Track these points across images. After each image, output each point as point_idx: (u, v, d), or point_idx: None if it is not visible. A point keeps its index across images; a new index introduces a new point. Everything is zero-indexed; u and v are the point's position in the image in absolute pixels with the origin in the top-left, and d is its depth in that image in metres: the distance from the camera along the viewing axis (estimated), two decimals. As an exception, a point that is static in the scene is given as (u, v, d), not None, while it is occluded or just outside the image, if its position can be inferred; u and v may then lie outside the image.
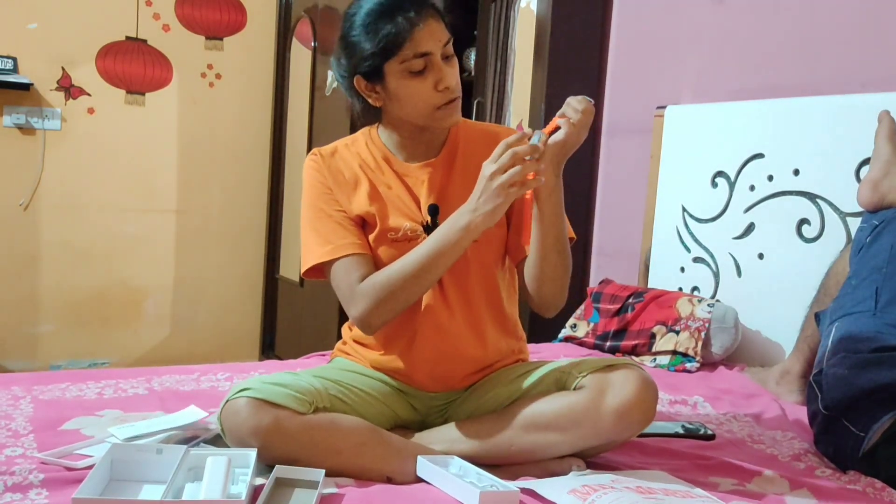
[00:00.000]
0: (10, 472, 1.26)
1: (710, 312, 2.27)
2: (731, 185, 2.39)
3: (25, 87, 3.86)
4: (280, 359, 3.75)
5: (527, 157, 1.30)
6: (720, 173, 2.43)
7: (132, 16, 4.14)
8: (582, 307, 2.59)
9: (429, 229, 1.49)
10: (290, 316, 4.27)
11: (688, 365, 2.22)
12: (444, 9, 1.51)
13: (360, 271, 1.46)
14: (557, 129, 1.38)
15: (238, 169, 4.46)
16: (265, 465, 1.29)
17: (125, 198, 4.20)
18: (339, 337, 1.69)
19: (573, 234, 1.51)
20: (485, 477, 1.30)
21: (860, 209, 1.91)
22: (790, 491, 1.38)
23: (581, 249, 2.93)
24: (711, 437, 1.64)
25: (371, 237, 1.51)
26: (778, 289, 2.24)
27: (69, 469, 1.30)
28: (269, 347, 4.52)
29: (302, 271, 1.53)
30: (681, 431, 1.64)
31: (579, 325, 2.53)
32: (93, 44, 4.06)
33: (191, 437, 1.45)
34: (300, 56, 4.21)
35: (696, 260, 2.52)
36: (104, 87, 4.10)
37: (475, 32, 3.26)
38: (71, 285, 4.12)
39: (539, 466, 1.39)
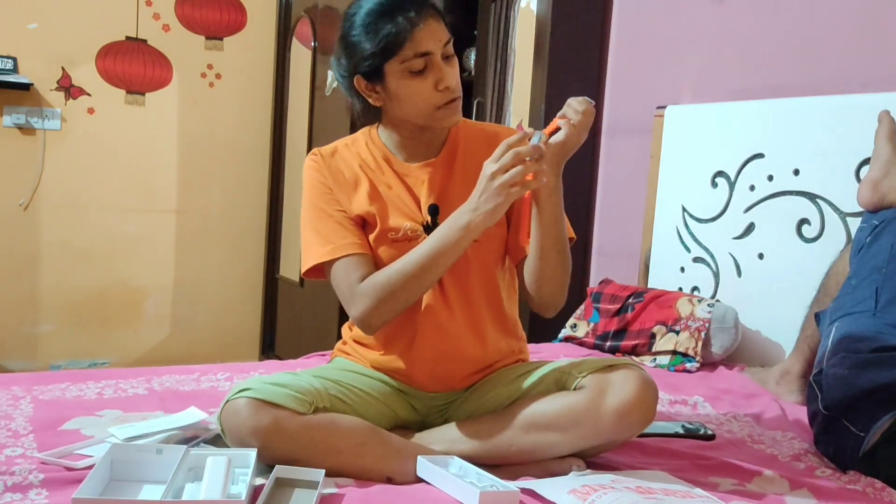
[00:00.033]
0: (10, 472, 1.26)
1: (710, 312, 2.27)
2: (731, 185, 2.39)
3: (25, 87, 3.86)
4: (280, 359, 3.75)
5: (528, 158, 1.30)
6: (720, 173, 2.43)
7: (132, 16, 4.13)
8: (582, 307, 2.58)
9: (429, 229, 1.49)
10: (290, 316, 4.27)
11: (688, 365, 2.22)
12: (444, 9, 1.51)
13: (361, 271, 1.46)
14: (558, 129, 1.38)
15: (238, 169, 4.46)
16: (265, 465, 1.29)
17: (125, 198, 4.20)
18: (339, 337, 1.69)
19: (573, 234, 1.51)
20: (485, 477, 1.30)
21: (860, 209, 1.91)
22: (790, 491, 1.38)
23: (581, 249, 2.93)
24: (711, 438, 1.64)
25: (371, 237, 1.51)
26: (778, 289, 2.24)
27: (69, 469, 1.30)
28: (269, 347, 4.52)
29: (302, 271, 1.53)
30: (681, 431, 1.64)
31: (579, 325, 2.53)
32: (93, 44, 4.06)
33: (191, 438, 1.44)
34: (300, 56, 4.21)
35: (696, 260, 2.52)
36: (104, 87, 4.10)
37: (475, 32, 3.26)
38: (71, 285, 4.12)
39: (539, 466, 1.39)
